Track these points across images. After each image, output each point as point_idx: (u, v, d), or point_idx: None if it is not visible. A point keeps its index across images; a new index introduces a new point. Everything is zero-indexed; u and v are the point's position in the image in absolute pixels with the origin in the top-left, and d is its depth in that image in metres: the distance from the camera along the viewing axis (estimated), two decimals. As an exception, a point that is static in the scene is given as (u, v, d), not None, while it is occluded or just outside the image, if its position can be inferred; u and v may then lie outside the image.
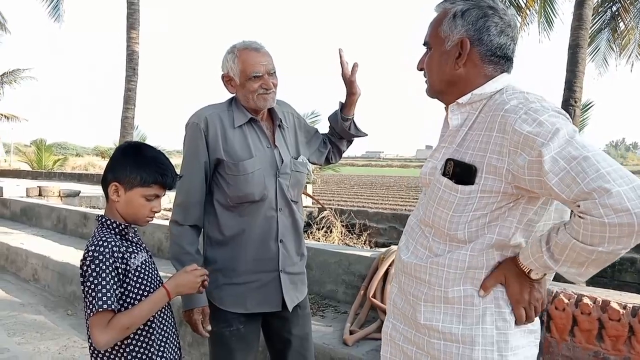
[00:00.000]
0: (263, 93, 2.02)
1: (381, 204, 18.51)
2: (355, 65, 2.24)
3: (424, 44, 1.50)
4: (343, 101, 2.31)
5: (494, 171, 1.29)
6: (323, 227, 9.84)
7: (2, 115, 28.64)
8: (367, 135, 2.42)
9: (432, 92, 1.52)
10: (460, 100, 1.41)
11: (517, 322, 1.37)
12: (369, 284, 3.60)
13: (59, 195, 10.68)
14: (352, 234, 10.01)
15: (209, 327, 2.03)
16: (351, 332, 3.21)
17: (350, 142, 2.45)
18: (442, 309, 1.38)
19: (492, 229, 1.34)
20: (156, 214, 1.79)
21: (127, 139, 12.02)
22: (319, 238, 9.32)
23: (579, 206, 1.15)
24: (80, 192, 11.40)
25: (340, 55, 2.21)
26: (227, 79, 2.08)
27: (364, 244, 9.29)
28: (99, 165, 29.62)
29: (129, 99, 11.92)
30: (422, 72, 1.53)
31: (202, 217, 2.10)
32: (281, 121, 2.16)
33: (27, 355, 3.87)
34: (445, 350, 1.37)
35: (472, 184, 1.32)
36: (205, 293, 2.00)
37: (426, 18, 1.56)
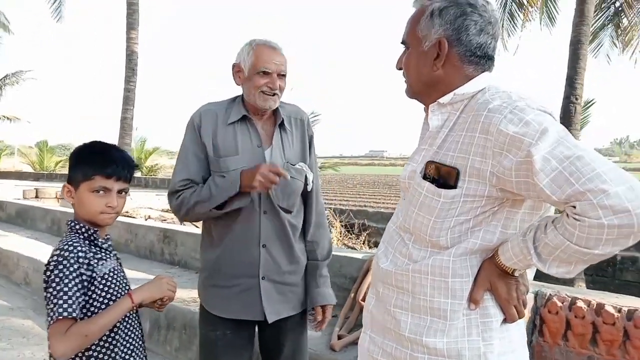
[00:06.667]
0: (266, 92, 1.95)
1: (383, 203, 18.39)
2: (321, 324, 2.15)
3: (402, 43, 1.45)
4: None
5: (477, 174, 1.23)
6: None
7: (3, 116, 28.52)
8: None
9: (411, 93, 1.46)
10: (441, 100, 1.35)
11: (510, 321, 1.31)
12: (359, 287, 3.50)
13: (56, 197, 10.64)
14: (351, 234, 9.93)
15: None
16: (339, 337, 3.12)
17: None
18: (427, 322, 1.31)
19: (475, 234, 1.28)
20: (121, 211, 1.68)
21: (126, 140, 11.98)
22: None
23: (574, 207, 1.09)
24: (77, 193, 11.36)
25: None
26: (236, 70, 2.03)
27: (363, 244, 9.22)
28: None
29: (128, 100, 11.91)
30: (402, 71, 1.47)
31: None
32: (283, 122, 2.05)
33: (12, 361, 3.80)
34: None
35: (456, 188, 1.25)
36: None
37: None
